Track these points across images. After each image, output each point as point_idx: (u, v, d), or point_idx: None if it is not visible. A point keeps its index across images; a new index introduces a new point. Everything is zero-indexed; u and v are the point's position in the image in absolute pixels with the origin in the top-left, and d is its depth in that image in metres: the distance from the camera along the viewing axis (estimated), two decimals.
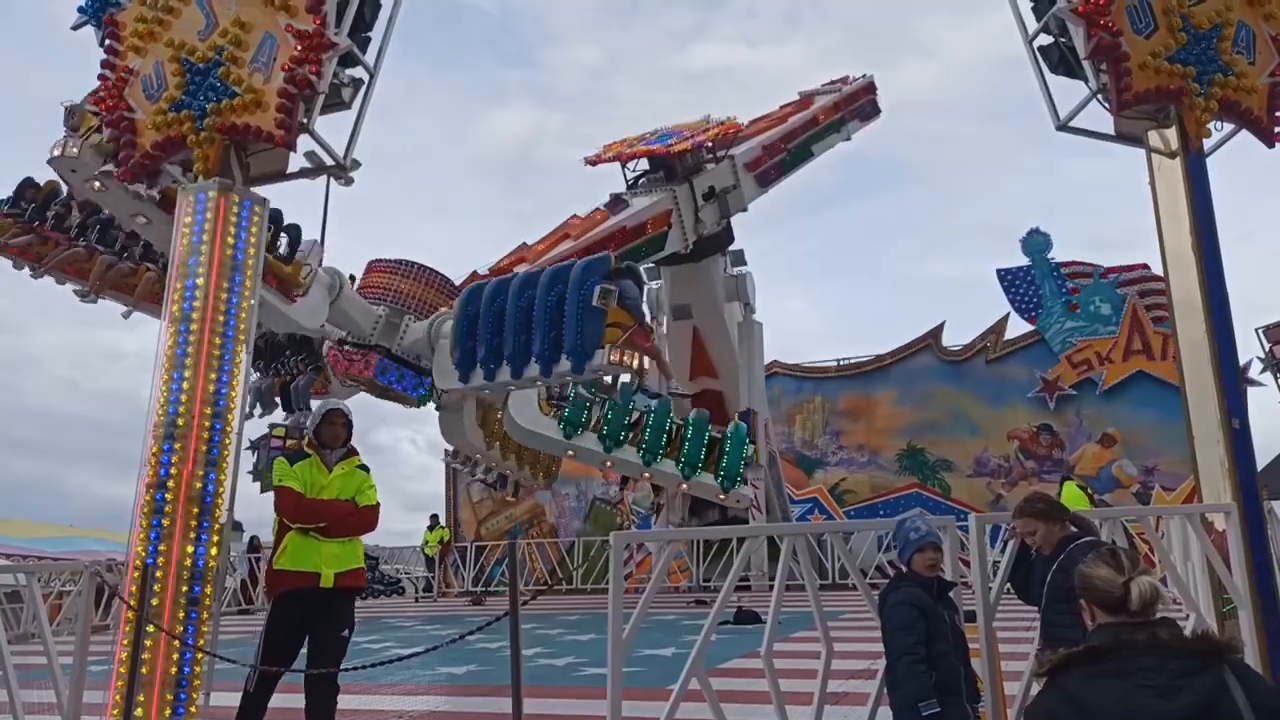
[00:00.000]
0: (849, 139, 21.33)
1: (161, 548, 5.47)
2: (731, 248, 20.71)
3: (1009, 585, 4.88)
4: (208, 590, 5.54)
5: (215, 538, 5.61)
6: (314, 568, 5.50)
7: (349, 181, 6.66)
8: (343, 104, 6.53)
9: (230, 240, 6.01)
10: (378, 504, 5.89)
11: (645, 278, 11.84)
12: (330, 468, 5.75)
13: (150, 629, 5.28)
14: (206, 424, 5.70)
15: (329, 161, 6.49)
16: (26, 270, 12.34)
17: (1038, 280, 23.66)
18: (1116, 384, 22.50)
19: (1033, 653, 4.93)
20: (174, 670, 5.27)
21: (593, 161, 18.04)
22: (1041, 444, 22.90)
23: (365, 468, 5.91)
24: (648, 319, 11.56)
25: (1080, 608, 2.64)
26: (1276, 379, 22.79)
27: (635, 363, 10.58)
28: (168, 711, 5.22)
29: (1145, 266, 22.14)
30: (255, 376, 15.78)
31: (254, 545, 20.73)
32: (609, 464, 13.53)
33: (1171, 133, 6.23)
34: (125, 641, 5.33)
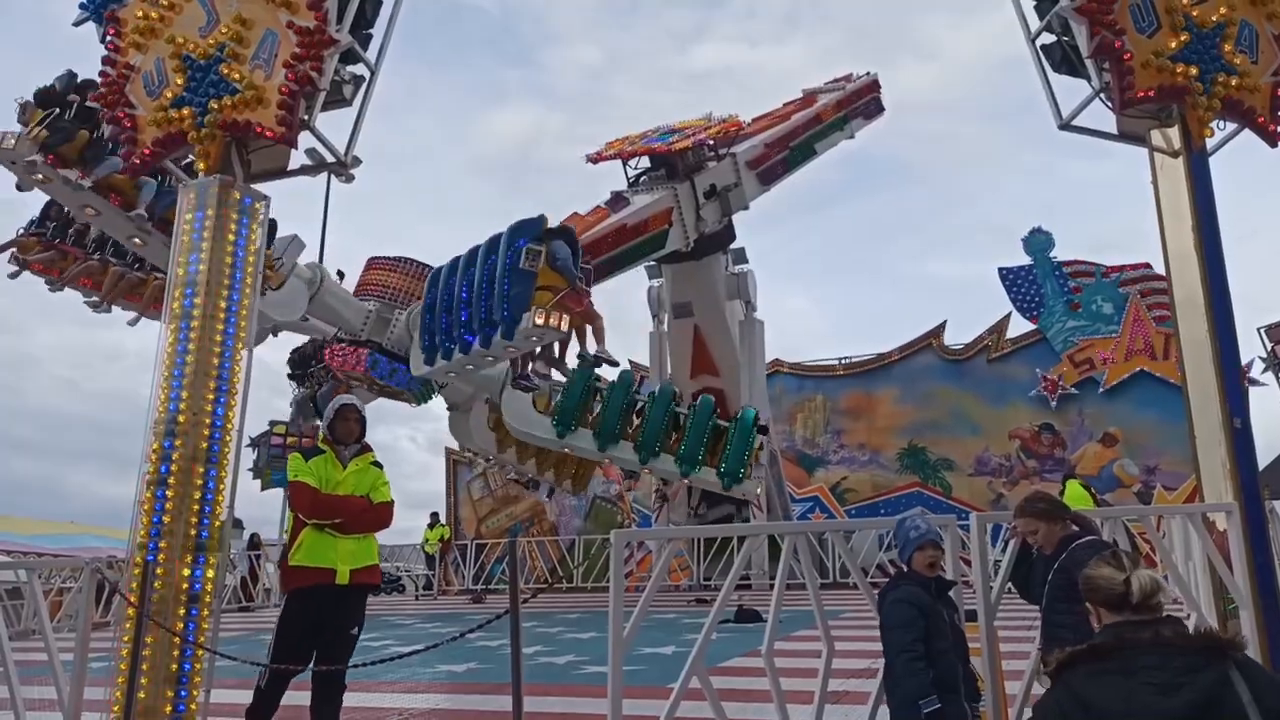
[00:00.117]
0: (852, 137, 21.30)
1: (162, 544, 5.47)
2: (733, 246, 20.69)
3: (1010, 584, 4.88)
4: (208, 587, 5.54)
5: (215, 535, 5.61)
6: (330, 564, 5.49)
7: (350, 179, 6.67)
8: (344, 101, 6.53)
9: (231, 237, 6.00)
10: (392, 501, 5.88)
11: (578, 239, 11.38)
12: (345, 464, 5.75)
13: (151, 625, 5.28)
14: (207, 421, 5.70)
15: (330, 159, 6.50)
16: (44, 283, 13.27)
17: (1039, 279, 23.64)
18: (1118, 383, 22.48)
19: (1034, 651, 4.93)
20: (174, 667, 5.28)
21: (594, 159, 18.02)
22: (1043, 443, 22.88)
23: (379, 464, 5.91)
24: (579, 280, 11.05)
25: (1087, 610, 2.66)
26: (1278, 378, 22.76)
27: (565, 325, 10.23)
28: (168, 708, 5.22)
29: (1147, 266, 22.13)
30: (295, 389, 16.09)
31: (254, 542, 20.73)
32: (606, 461, 13.40)
33: (1174, 132, 6.22)
34: (126, 638, 5.33)
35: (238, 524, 19.29)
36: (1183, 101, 6.14)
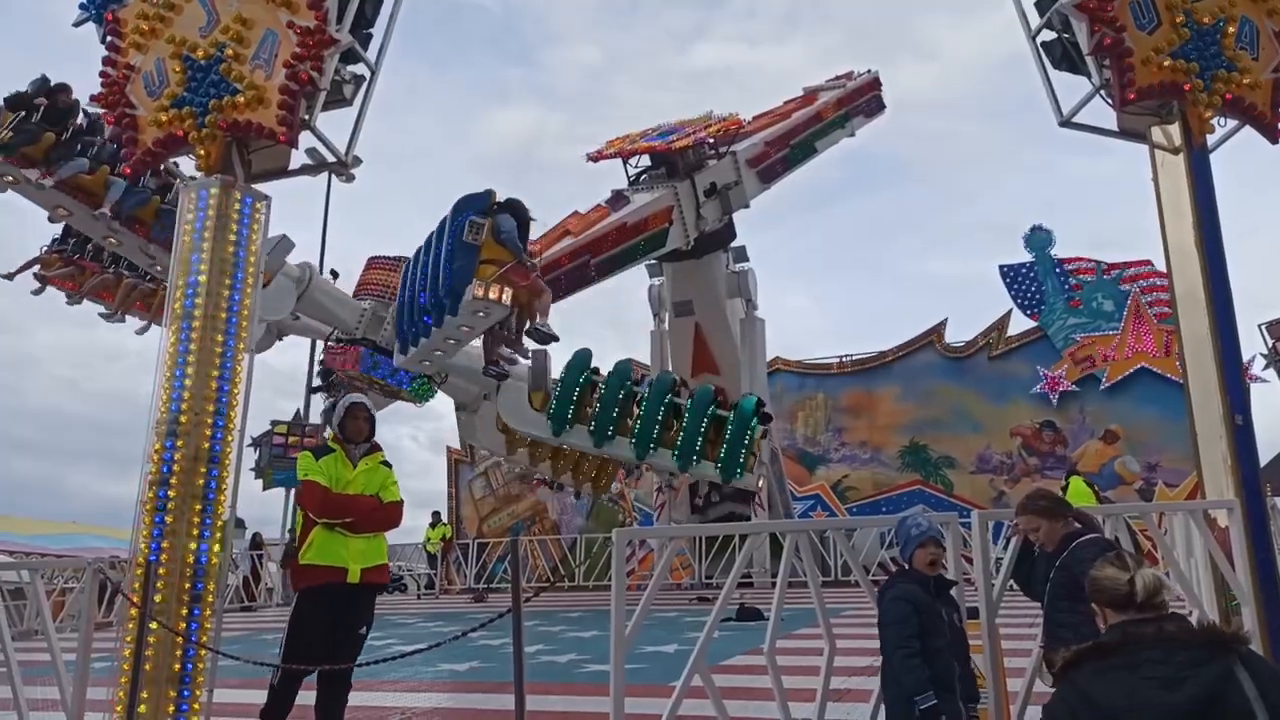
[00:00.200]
0: (853, 134, 21.30)
1: (164, 544, 5.47)
2: (733, 244, 20.69)
3: (1012, 581, 4.88)
4: (210, 587, 5.54)
5: (218, 535, 5.61)
6: (342, 563, 5.49)
7: (350, 178, 6.67)
8: (344, 101, 6.53)
9: (232, 237, 6.00)
10: (402, 500, 5.89)
11: (530, 213, 11.02)
12: (355, 463, 5.75)
13: (153, 626, 5.28)
14: (209, 421, 5.70)
15: (330, 158, 6.50)
16: (64, 297, 14.23)
17: (1040, 276, 23.65)
18: (1119, 380, 22.48)
19: (1035, 649, 4.93)
20: (177, 667, 5.28)
21: (595, 157, 18.02)
22: (1044, 440, 22.88)
23: (388, 464, 5.92)
24: (526, 255, 10.83)
25: (1093, 611, 2.68)
26: (1279, 374, 22.76)
27: (507, 298, 10.01)
28: (171, 708, 5.22)
29: (1148, 263, 22.13)
30: (324, 399, 16.42)
31: (256, 542, 20.75)
32: (640, 466, 13.22)
33: (1175, 128, 6.21)
34: (128, 638, 5.33)
35: (240, 524, 19.33)
36: (1183, 98, 6.13)
